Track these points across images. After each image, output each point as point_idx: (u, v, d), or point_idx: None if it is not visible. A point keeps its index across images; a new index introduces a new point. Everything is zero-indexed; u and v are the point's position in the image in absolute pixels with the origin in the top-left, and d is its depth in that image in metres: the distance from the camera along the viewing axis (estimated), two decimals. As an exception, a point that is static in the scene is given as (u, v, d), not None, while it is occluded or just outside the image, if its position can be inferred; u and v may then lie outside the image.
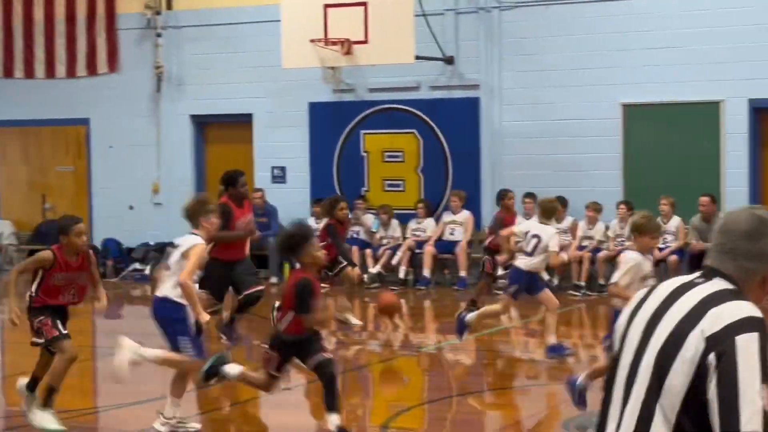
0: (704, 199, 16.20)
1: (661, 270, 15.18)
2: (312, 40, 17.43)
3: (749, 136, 16.89)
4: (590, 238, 17.46)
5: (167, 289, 8.55)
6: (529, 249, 11.33)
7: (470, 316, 11.48)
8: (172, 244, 8.89)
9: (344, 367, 12.20)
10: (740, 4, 16.77)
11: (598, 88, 17.57)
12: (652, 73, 17.22)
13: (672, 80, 17.09)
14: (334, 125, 19.27)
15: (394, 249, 18.34)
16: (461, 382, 11.19)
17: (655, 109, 17.32)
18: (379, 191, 19.06)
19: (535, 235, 11.39)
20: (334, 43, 17.45)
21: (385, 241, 18.47)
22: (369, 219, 18.72)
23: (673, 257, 16.43)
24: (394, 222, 18.48)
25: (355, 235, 18.38)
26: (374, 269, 18.20)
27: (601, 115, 17.58)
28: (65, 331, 8.66)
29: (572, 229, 17.66)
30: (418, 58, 17.45)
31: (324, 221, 14.34)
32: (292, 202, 19.04)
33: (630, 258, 8.71)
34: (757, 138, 16.97)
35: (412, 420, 9.45)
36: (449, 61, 18.46)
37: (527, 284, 11.46)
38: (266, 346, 8.33)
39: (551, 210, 11.79)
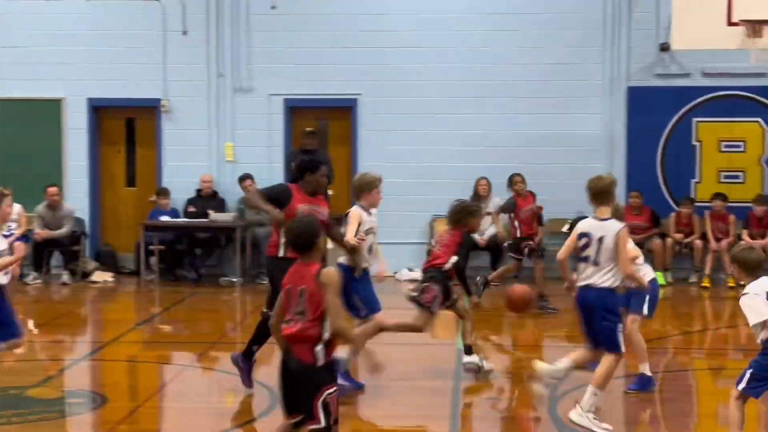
0: (51, 190, 16.58)
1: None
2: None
3: (88, 132, 17.61)
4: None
5: (604, 278, 7.95)
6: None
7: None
8: (585, 235, 8.09)
9: None
10: (119, 11, 17.46)
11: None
12: (-2, 70, 17.36)
13: (18, 77, 17.29)
14: None
15: None
16: None
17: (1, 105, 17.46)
18: None
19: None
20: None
21: None
22: None
23: (18, 243, 16.70)
24: None
25: None
26: None
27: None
28: None
29: None
30: None
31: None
32: None
33: None
34: (95, 134, 17.74)
35: None
36: None
37: None
38: None
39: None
